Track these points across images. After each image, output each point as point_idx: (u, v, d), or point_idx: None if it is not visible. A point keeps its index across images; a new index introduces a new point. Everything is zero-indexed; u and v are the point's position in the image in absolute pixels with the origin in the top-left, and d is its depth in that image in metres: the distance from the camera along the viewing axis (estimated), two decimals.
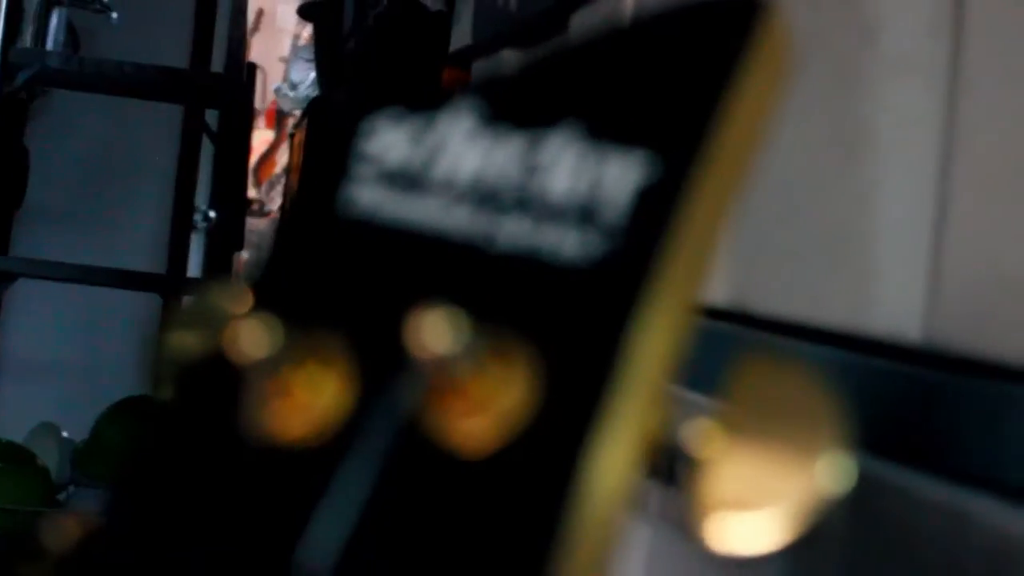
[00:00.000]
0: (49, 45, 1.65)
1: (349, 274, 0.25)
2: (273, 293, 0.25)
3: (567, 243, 0.23)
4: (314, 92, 1.62)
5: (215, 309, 0.27)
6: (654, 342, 0.22)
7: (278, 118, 1.88)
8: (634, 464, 0.23)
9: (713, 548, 0.22)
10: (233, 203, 1.63)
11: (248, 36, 1.78)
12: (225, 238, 1.60)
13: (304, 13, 1.52)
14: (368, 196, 0.26)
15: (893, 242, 0.45)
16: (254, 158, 1.80)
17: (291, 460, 0.23)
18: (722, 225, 0.24)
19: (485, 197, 0.24)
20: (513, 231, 0.24)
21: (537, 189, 0.24)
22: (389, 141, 0.26)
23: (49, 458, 1.55)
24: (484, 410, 0.22)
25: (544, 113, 0.24)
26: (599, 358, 0.22)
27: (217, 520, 0.23)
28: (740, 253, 0.51)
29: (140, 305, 1.65)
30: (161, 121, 1.71)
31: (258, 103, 1.82)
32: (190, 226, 1.71)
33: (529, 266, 0.23)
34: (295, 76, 1.79)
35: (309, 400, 0.23)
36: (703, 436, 0.23)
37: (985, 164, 0.41)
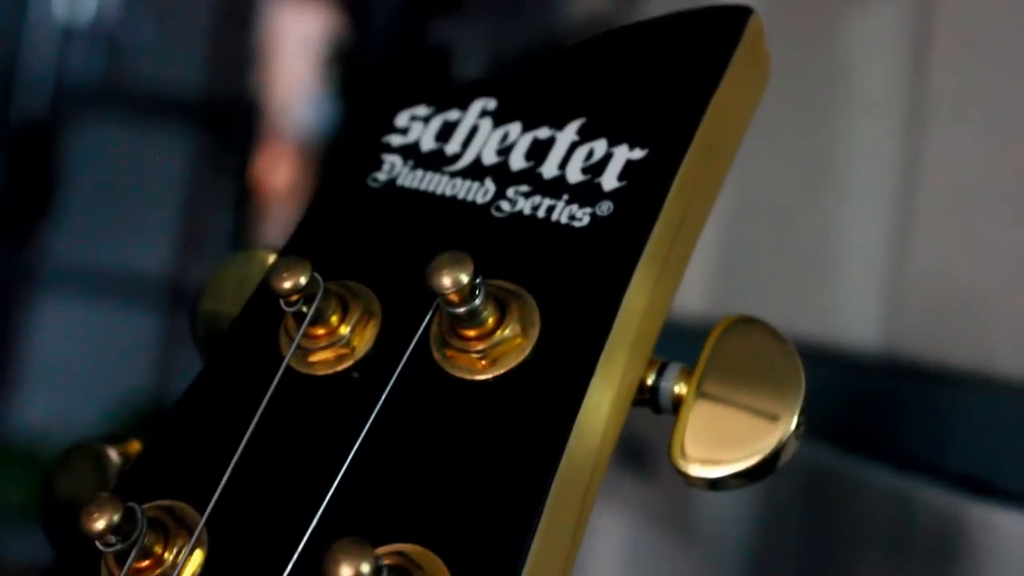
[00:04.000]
0: (72, 65, 1.71)
1: (378, 235, 0.28)
2: (307, 251, 0.28)
3: (569, 213, 0.27)
4: (327, 120, 1.68)
5: (249, 270, 0.30)
6: (643, 299, 0.26)
7: (290, 144, 1.93)
8: (623, 404, 0.26)
9: (689, 478, 0.25)
10: (245, 223, 1.70)
11: (263, 64, 1.84)
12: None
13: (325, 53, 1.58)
14: (396, 172, 0.29)
15: (857, 263, 0.48)
16: (265, 181, 1.85)
17: (324, 393, 0.26)
18: (709, 204, 0.27)
19: (499, 173, 0.28)
20: (523, 202, 0.27)
21: (544, 166, 0.27)
22: (416, 126, 0.30)
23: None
24: (493, 350, 0.25)
25: (552, 102, 0.28)
26: (595, 310, 0.25)
27: (257, 451, 0.25)
28: (717, 271, 0.55)
29: (153, 316, 1.71)
30: (178, 142, 1.76)
31: (271, 129, 1.88)
32: (203, 243, 1.75)
33: (536, 232, 0.27)
34: (308, 105, 1.85)
35: (341, 338, 0.26)
36: (682, 387, 0.26)
37: (942, 193, 0.45)
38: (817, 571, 0.43)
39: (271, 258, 0.30)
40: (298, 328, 0.26)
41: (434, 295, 0.25)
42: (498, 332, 0.25)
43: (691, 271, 0.29)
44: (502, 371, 0.25)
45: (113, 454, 0.28)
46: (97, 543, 0.23)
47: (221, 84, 1.78)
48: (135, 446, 0.28)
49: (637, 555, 0.52)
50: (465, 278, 0.23)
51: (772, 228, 0.54)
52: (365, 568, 0.21)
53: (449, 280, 0.24)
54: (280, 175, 1.91)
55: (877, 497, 0.40)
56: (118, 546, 0.23)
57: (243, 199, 1.80)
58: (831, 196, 0.51)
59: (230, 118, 1.78)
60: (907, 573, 0.38)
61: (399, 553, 0.23)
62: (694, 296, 0.54)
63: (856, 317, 0.47)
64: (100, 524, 0.23)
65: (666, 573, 0.51)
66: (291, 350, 0.26)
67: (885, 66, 0.48)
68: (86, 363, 1.64)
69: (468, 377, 0.25)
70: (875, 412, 0.43)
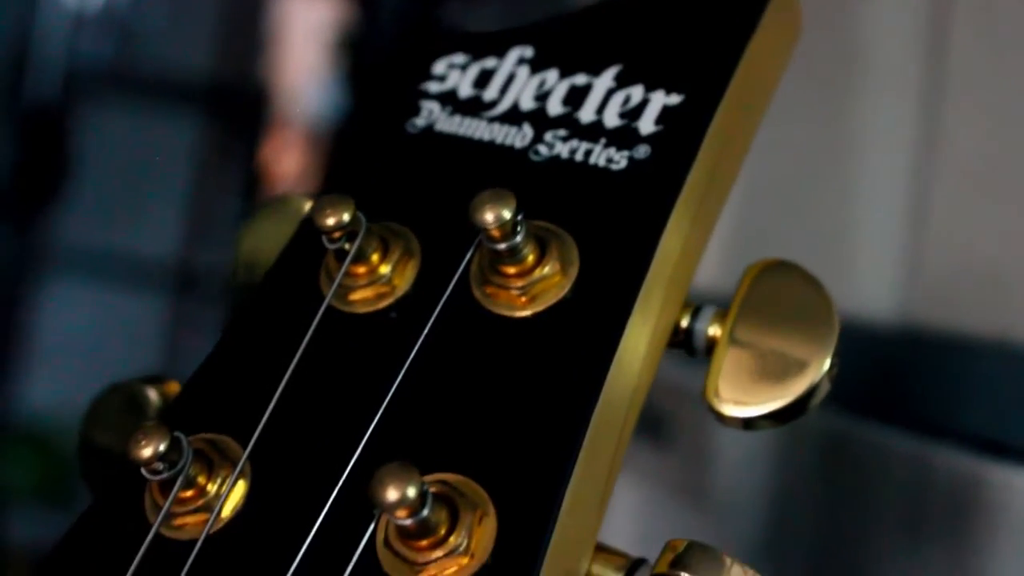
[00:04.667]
0: (83, 51, 1.73)
1: (416, 178, 0.28)
2: (346, 193, 0.28)
3: (607, 156, 0.27)
4: (336, 107, 1.70)
5: (288, 215, 0.30)
6: (679, 241, 0.26)
7: (298, 130, 1.94)
8: (658, 345, 0.26)
9: (723, 418, 0.26)
10: (253, 208, 1.71)
11: (272, 50, 1.85)
12: None
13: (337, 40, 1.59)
14: (434, 118, 0.29)
15: (875, 233, 0.49)
16: (274, 167, 1.86)
17: (365, 330, 0.26)
18: (743, 152, 0.28)
19: (537, 118, 0.28)
20: (561, 146, 0.28)
21: (582, 112, 0.28)
22: (453, 73, 0.30)
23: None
24: (533, 287, 0.25)
25: (589, 50, 0.29)
26: (633, 250, 0.26)
27: (299, 387, 0.26)
28: (735, 241, 0.55)
29: (161, 300, 1.73)
30: (187, 128, 1.77)
31: (279, 115, 1.89)
32: (211, 227, 1.77)
33: (574, 174, 0.27)
34: (317, 91, 1.86)
35: (381, 276, 0.26)
36: (716, 329, 0.27)
37: (959, 165, 0.45)
38: (836, 536, 0.43)
39: (306, 205, 0.30)
40: (339, 267, 0.26)
41: (474, 234, 0.26)
42: (538, 270, 0.25)
43: (709, 242, 0.29)
44: (541, 308, 0.25)
45: (152, 394, 0.28)
46: (143, 471, 0.24)
47: (230, 70, 1.79)
48: (173, 387, 0.28)
49: (654, 525, 0.53)
50: (508, 213, 0.24)
51: (790, 200, 0.54)
52: (412, 491, 0.21)
53: (492, 215, 0.24)
54: (288, 161, 1.92)
55: (896, 461, 0.40)
56: (164, 474, 0.24)
57: (251, 185, 1.81)
58: (849, 168, 0.51)
59: (239, 104, 1.79)
60: (927, 536, 0.39)
61: (442, 482, 0.23)
62: (711, 266, 0.54)
63: (874, 286, 0.47)
64: (148, 451, 0.23)
65: None
66: (332, 288, 0.26)
67: (903, 41, 0.49)
68: (94, 346, 1.65)
69: (508, 314, 0.25)
70: (893, 379, 0.44)
